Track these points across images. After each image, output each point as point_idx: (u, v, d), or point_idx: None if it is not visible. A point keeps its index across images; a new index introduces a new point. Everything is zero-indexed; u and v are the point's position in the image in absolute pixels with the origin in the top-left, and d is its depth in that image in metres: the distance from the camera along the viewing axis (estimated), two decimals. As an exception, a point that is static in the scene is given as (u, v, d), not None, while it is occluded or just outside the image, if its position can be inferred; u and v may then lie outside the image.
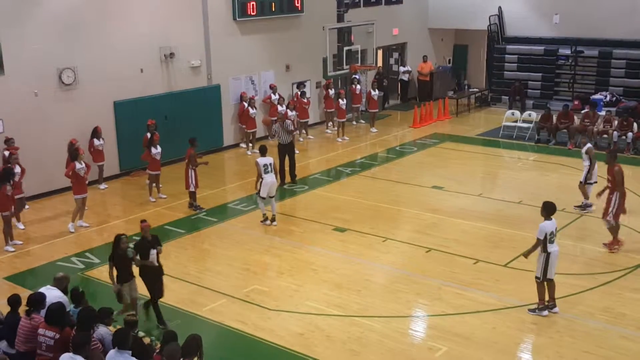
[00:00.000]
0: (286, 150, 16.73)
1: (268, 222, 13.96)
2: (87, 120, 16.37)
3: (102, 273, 11.99)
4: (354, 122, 23.08)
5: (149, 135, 15.99)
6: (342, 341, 9.49)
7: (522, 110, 22.53)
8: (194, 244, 13.34)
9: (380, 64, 25.56)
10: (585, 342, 9.35)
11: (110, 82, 17.02)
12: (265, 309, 10.48)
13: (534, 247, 10.04)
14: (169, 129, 17.91)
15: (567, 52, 24.30)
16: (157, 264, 9.86)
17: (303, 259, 12.34)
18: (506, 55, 25.66)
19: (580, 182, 14.31)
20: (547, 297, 10.16)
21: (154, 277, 9.91)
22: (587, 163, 14.23)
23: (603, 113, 20.46)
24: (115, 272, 9.72)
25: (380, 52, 25.64)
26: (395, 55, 27.04)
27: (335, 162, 18.71)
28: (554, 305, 10.14)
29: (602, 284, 11.01)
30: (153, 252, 9.72)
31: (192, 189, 14.88)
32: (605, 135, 19.28)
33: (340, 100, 21.29)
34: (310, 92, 21.94)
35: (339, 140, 21.10)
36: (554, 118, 20.17)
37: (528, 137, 20.64)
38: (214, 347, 9.32)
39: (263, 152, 14.18)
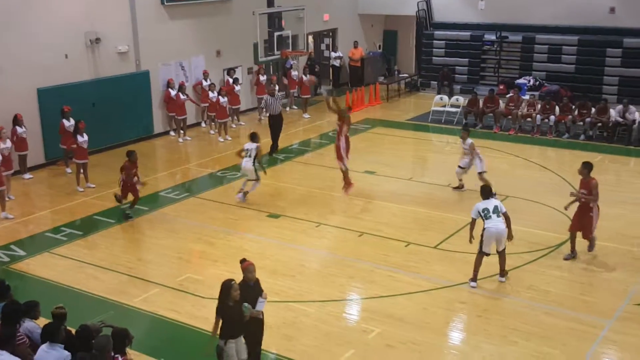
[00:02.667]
0: (275, 121, 17.67)
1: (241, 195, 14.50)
2: (9, 108, 15.70)
3: (29, 266, 11.67)
4: (288, 109, 23.08)
5: (65, 122, 15.59)
6: (277, 326, 9.55)
7: (450, 95, 23.04)
8: (125, 234, 13.11)
9: (311, 49, 25.60)
10: (511, 319, 9.71)
11: (33, 69, 16.42)
12: (200, 297, 10.43)
13: (471, 227, 10.59)
14: (97, 117, 17.47)
15: (492, 37, 24.96)
16: (261, 316, 8.11)
17: (237, 246, 12.32)
18: (434, 41, 26.12)
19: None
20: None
21: (259, 332, 8.25)
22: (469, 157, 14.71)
23: (527, 97, 21.15)
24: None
25: (311, 38, 25.66)
26: (327, 41, 27.13)
27: (269, 149, 18.65)
28: (502, 275, 10.79)
29: (527, 263, 11.45)
30: (262, 300, 7.97)
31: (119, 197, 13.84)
32: (529, 119, 19.95)
33: (272, 86, 21.22)
34: (242, 78, 21.76)
35: (272, 126, 21.04)
36: (481, 102, 20.72)
37: (456, 121, 21.14)
38: (147, 337, 9.23)
39: (253, 138, 14.47)
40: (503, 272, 10.81)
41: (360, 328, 9.58)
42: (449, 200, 14.51)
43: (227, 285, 7.54)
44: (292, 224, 13.30)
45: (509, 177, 15.95)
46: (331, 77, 27.04)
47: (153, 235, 12.92)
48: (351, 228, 13.06)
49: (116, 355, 6.52)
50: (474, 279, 10.62)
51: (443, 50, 25.93)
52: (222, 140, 19.43)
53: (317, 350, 9.02)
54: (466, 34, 25.54)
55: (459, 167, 14.97)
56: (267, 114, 18.18)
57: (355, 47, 26.61)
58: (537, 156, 17.81)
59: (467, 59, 25.38)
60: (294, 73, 22.81)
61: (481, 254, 10.57)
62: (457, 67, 25.42)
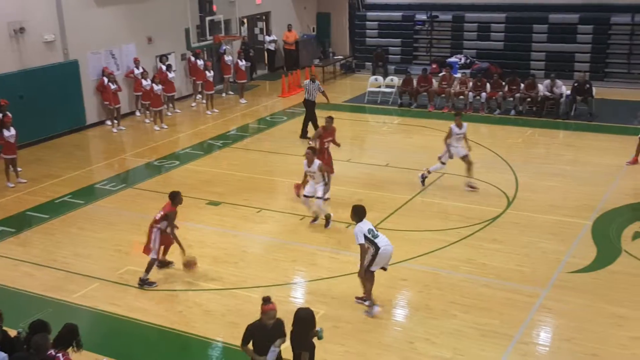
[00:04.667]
0: (311, 106, 17.74)
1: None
2: None
3: (-40, 267, 11.26)
4: (224, 94, 22.85)
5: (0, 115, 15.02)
6: (222, 314, 9.54)
7: (385, 75, 23.26)
8: (60, 229, 12.76)
9: (245, 34, 25.36)
10: (451, 293, 9.96)
11: (-47, 61, 15.75)
12: (141, 290, 10.28)
13: (363, 255, 9.14)
14: (26, 109, 16.90)
15: (423, 17, 25.30)
16: None
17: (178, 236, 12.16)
18: (367, 22, 26.31)
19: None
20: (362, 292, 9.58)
21: None
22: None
23: (459, 75, 21.55)
24: None
25: (245, 23, 25.41)
26: (260, 24, 26.92)
27: (206, 135, 18.49)
28: (368, 300, 9.51)
29: (464, 238, 11.73)
30: (275, 350, 6.87)
31: (152, 255, 10.45)
32: (461, 97, 20.36)
33: (207, 72, 20.96)
34: (175, 65, 21.38)
35: (209, 113, 20.82)
36: (415, 82, 21.00)
37: (391, 101, 21.38)
38: (87, 333, 8.98)
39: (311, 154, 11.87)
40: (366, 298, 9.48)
41: (305, 311, 9.64)
42: (388, 179, 14.70)
43: (312, 316, 6.86)
44: (233, 211, 13.23)
45: (444, 155, 16.26)
46: (266, 62, 26.88)
47: (90, 228, 12.63)
48: (292, 212, 13.08)
49: (57, 355, 6.38)
50: (373, 300, 9.40)
51: (376, 31, 26.13)
52: (158, 128, 19.11)
53: (263, 335, 9.06)
54: (398, 14, 25.80)
55: (442, 162, 13.88)
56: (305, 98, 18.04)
57: (289, 30, 26.50)
58: (470, 133, 17.95)
59: (399, 40, 25.67)
60: (228, 58, 22.57)
61: (370, 273, 9.31)
62: (390, 48, 25.67)
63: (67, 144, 18.01)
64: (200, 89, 21.76)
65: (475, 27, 24.46)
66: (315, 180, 12.18)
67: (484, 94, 19.93)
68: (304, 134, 17.82)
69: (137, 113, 20.52)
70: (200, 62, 21.33)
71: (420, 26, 25.64)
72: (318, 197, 12.07)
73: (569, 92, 19.33)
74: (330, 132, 13.94)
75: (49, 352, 6.38)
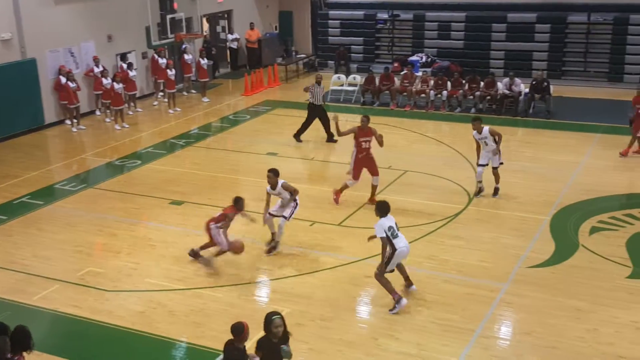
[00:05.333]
0: (318, 111, 17.07)
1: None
2: None
3: None
4: (185, 93, 22.68)
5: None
6: (185, 314, 9.49)
7: (347, 74, 23.37)
8: (19, 230, 12.53)
9: (207, 32, 25.19)
10: (414, 289, 10.08)
11: None
12: (103, 291, 10.17)
13: (384, 249, 9.35)
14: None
15: (385, 16, 25.48)
16: None
17: (140, 236, 12.07)
18: (329, 21, 26.40)
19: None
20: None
21: None
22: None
23: (420, 74, 21.76)
24: None
25: (206, 21, 25.24)
26: (222, 23, 26.77)
27: (168, 134, 18.32)
28: (411, 284, 9.92)
29: (426, 234, 11.87)
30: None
31: (224, 248, 10.81)
32: (423, 95, 20.56)
33: (168, 70, 20.77)
34: (136, 63, 21.13)
35: (171, 111, 20.63)
36: (377, 80, 21.13)
37: (354, 99, 21.48)
38: (47, 335, 8.94)
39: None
40: (409, 281, 9.94)
41: (270, 309, 9.53)
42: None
43: (269, 319, 6.81)
44: (196, 210, 13.14)
45: (406, 153, 16.43)
46: (229, 60, 26.75)
47: (49, 229, 12.43)
48: (257, 210, 13.00)
49: (14, 359, 6.27)
50: (399, 297, 9.45)
51: (338, 29, 26.24)
52: (118, 128, 18.87)
53: (228, 334, 8.92)
54: (360, 13, 25.94)
55: (480, 165, 13.43)
56: (310, 102, 17.39)
57: (252, 28, 26.40)
58: (432, 131, 18.42)
59: (361, 38, 25.82)
60: (188, 57, 22.33)
61: (385, 273, 9.53)
62: (352, 46, 25.81)
63: (26, 144, 17.67)
64: (162, 88, 21.56)
65: (435, 26, 24.72)
66: (283, 201, 11.28)
67: (444, 92, 20.16)
68: (298, 135, 17.29)
69: (98, 112, 20.22)
70: (161, 61, 21.13)
71: (382, 25, 25.83)
72: (282, 216, 11.22)
73: (527, 90, 19.67)
74: (367, 132, 12.95)
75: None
